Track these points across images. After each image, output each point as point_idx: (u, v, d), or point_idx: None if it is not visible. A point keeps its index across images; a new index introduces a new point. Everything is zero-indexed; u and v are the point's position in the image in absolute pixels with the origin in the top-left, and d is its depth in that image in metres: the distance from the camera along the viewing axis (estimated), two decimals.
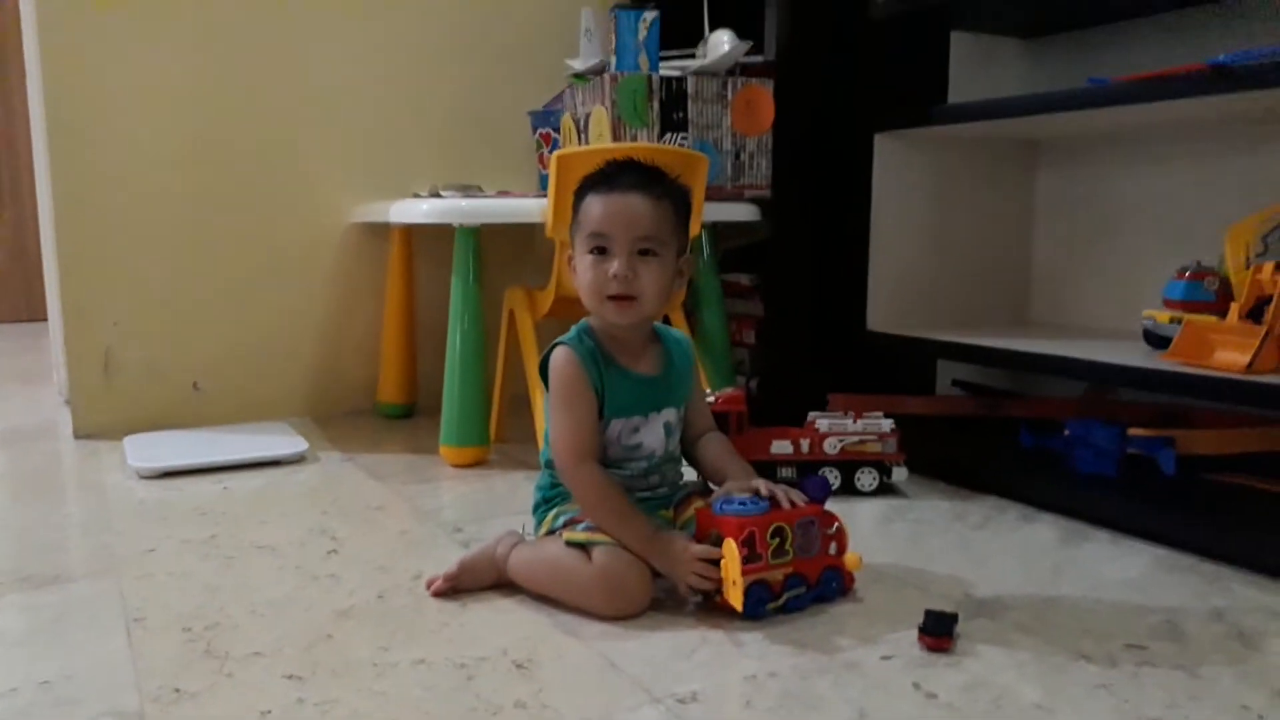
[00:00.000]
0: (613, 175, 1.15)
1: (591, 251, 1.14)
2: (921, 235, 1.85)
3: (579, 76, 1.91)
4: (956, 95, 1.92)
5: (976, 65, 1.99)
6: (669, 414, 1.20)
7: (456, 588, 1.15)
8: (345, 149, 2.18)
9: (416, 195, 1.96)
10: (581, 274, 1.16)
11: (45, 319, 2.88)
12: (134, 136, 2.00)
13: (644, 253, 1.13)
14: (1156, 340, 1.49)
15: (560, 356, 1.16)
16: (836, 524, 1.12)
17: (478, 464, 1.77)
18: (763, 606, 1.06)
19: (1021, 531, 1.40)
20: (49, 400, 2.41)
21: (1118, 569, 1.25)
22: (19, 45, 2.95)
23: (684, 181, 1.22)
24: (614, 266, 1.12)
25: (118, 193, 1.99)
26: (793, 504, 1.10)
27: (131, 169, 2.00)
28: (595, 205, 1.14)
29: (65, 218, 1.97)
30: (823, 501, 1.12)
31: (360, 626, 1.07)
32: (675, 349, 1.23)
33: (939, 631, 1.01)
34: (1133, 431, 1.51)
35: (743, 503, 1.08)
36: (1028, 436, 1.65)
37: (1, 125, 4.01)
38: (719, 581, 1.06)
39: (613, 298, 1.13)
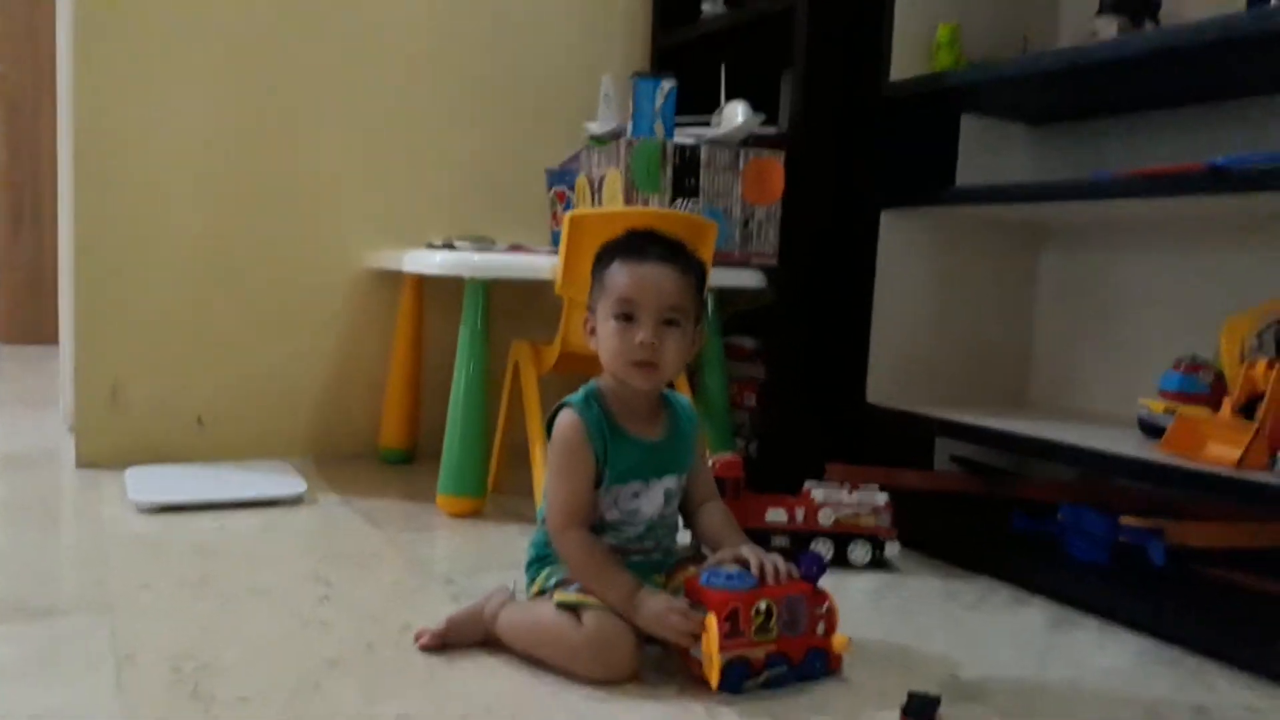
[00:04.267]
0: (639, 246, 1.18)
1: (617, 317, 1.16)
2: (924, 311, 1.88)
3: (596, 139, 1.95)
4: (964, 176, 1.96)
5: (985, 148, 2.03)
6: (670, 480, 1.21)
7: (445, 643, 1.16)
8: (362, 195, 2.23)
9: (431, 245, 1.99)
10: (605, 338, 1.18)
11: (55, 342, 2.91)
12: (157, 175, 2.04)
13: (668, 322, 1.16)
14: (1151, 429, 1.50)
15: (565, 420, 1.18)
16: (827, 604, 1.12)
17: (473, 514, 1.78)
18: (741, 683, 1.06)
19: (1012, 614, 1.40)
20: (53, 426, 2.43)
21: (1104, 658, 1.25)
22: (52, 77, 3.02)
23: (692, 246, 1.25)
24: (641, 334, 1.14)
25: (137, 227, 2.03)
26: (781, 579, 1.11)
27: (152, 206, 2.04)
28: (622, 274, 1.17)
29: (85, 249, 2.01)
30: (815, 580, 1.12)
31: (347, 676, 1.08)
32: (682, 415, 1.25)
33: (922, 714, 1.01)
34: (1124, 520, 1.52)
35: (730, 576, 1.09)
36: (1020, 519, 1.66)
37: (28, 151, 4.09)
38: (696, 633, 1.06)
39: (637, 364, 1.15)
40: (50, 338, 3.37)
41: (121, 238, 2.02)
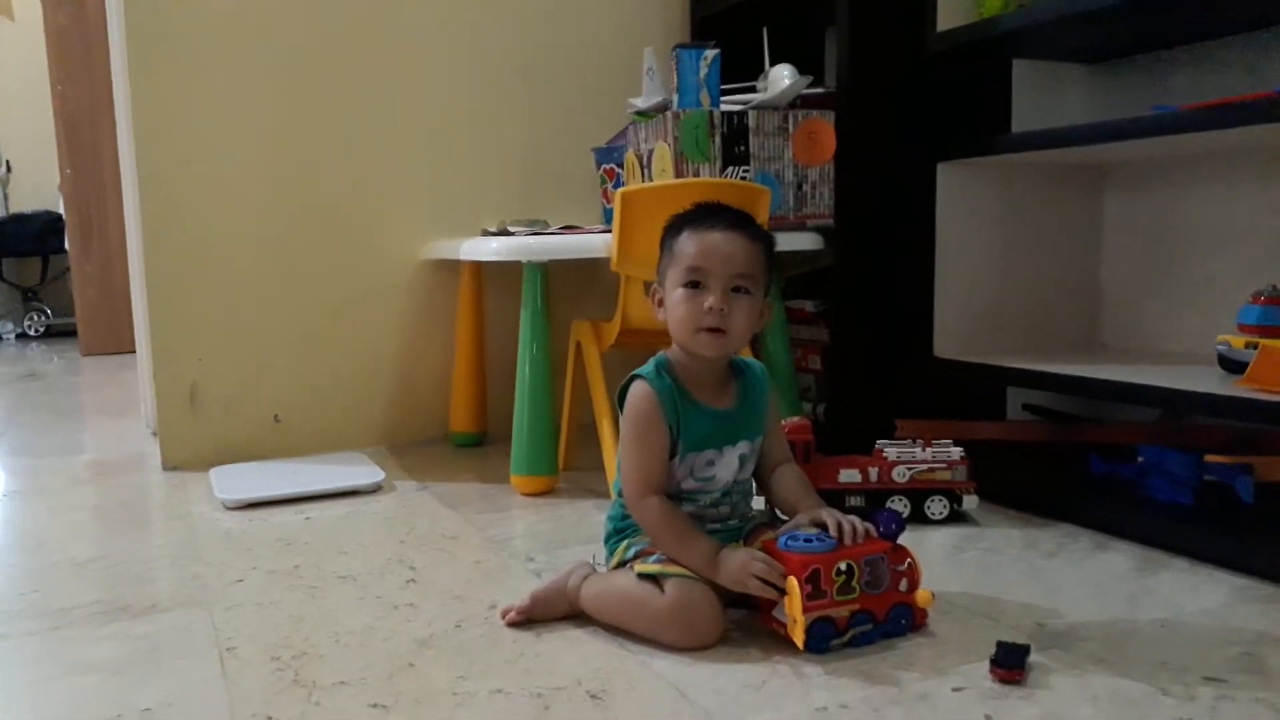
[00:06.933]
0: (707, 215, 1.19)
1: (686, 285, 1.17)
2: (987, 261, 1.85)
3: (642, 114, 1.95)
4: (1020, 121, 1.91)
5: (1040, 91, 1.98)
6: (744, 446, 1.21)
7: (530, 619, 1.18)
8: (417, 189, 2.25)
9: (486, 232, 2.01)
10: (673, 306, 1.18)
11: (131, 351, 3.00)
12: (217, 180, 2.08)
13: (738, 289, 1.16)
14: (1231, 365, 1.47)
15: (637, 391, 1.19)
16: (908, 560, 1.12)
17: (547, 493, 1.80)
18: (826, 643, 1.07)
19: (1095, 560, 1.38)
20: (136, 432, 2.51)
21: (1196, 599, 1.23)
22: (108, 90, 3.10)
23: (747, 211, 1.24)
24: (710, 300, 1.15)
25: (203, 233, 2.08)
26: (859, 539, 1.11)
27: (215, 211, 2.09)
28: (691, 242, 1.17)
29: (154, 258, 2.06)
30: (893, 538, 1.12)
31: (439, 656, 1.11)
32: (753, 380, 1.25)
33: (1011, 663, 1.01)
34: (1209, 458, 1.48)
35: (808, 539, 1.09)
36: (1098, 463, 1.63)
37: (90, 165, 4.20)
38: (780, 584, 1.07)
39: (706, 329, 1.16)
40: (127, 347, 3.48)
41: (188, 244, 2.07)
